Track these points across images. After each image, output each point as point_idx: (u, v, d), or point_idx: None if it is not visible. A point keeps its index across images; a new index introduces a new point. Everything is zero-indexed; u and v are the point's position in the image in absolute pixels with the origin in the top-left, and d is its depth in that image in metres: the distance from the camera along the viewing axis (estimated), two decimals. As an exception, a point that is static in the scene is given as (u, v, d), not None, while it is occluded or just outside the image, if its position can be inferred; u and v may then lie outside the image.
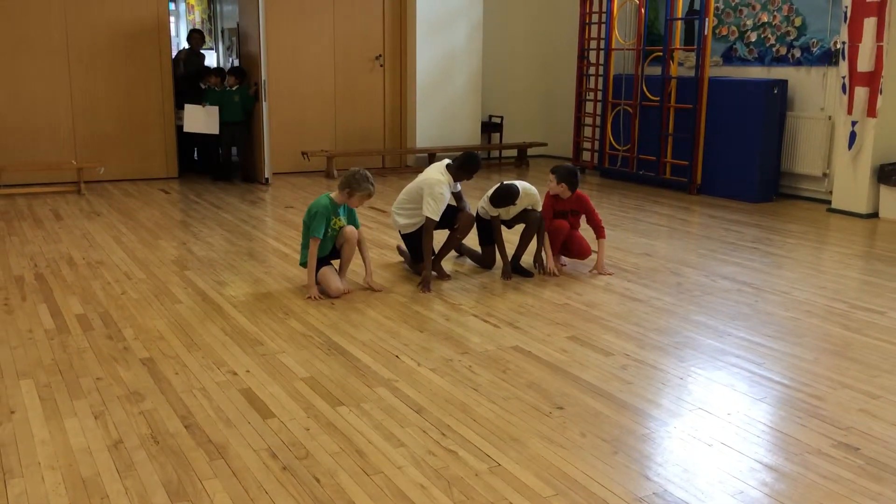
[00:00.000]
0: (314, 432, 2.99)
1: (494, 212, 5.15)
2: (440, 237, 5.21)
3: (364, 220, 6.16)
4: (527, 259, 5.36)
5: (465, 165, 5.08)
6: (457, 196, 5.25)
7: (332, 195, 4.74)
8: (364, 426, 3.05)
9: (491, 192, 5.13)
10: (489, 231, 5.27)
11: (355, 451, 2.85)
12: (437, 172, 5.05)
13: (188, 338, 4.02)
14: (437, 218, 4.92)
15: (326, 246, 4.80)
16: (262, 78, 8.64)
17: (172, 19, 8.91)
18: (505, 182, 5.09)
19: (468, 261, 5.56)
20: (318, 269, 4.76)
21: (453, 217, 5.15)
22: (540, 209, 5.25)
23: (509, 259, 5.23)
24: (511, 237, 5.36)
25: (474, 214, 5.26)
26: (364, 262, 4.90)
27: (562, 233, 5.31)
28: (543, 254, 5.30)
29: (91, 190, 8.28)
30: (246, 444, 2.90)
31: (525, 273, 5.23)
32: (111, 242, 6.04)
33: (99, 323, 4.23)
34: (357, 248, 4.85)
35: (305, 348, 3.89)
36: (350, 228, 4.79)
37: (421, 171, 5.27)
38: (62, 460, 2.77)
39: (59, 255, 5.65)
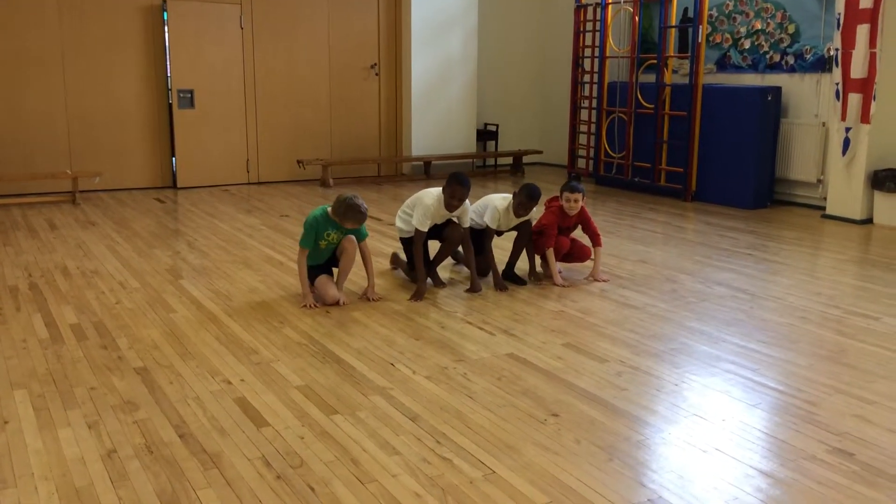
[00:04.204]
0: (308, 441, 2.99)
1: (494, 223, 5.13)
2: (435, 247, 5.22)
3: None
4: (520, 266, 5.36)
5: (446, 183, 4.94)
6: (459, 218, 5.17)
7: (330, 210, 4.70)
8: (359, 434, 3.04)
9: (497, 201, 5.12)
10: (480, 240, 5.28)
11: (350, 460, 2.84)
12: (435, 190, 5.04)
13: (182, 347, 4.01)
14: (423, 229, 4.92)
15: (323, 255, 4.80)
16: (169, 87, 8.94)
17: (167, 30, 8.90)
18: (527, 183, 5.09)
19: (464, 269, 5.56)
20: (315, 276, 4.76)
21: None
22: (530, 219, 5.23)
23: (504, 267, 5.24)
24: (503, 244, 5.36)
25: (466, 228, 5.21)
26: (367, 273, 4.89)
27: (564, 248, 5.33)
28: (542, 268, 5.31)
29: (86, 199, 8.28)
30: (240, 453, 2.89)
31: (518, 281, 5.23)
32: (106, 252, 6.04)
33: (93, 332, 4.22)
34: (362, 259, 4.84)
35: (300, 356, 3.88)
36: (350, 239, 4.78)
37: (416, 181, 5.25)
38: (56, 470, 2.76)
39: (53, 264, 5.65)
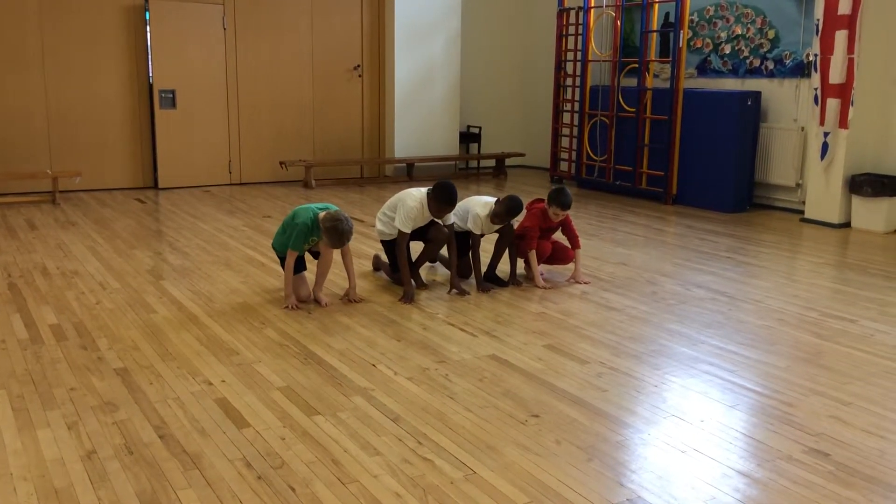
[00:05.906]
0: (290, 441, 2.99)
1: (478, 229, 5.11)
2: (418, 248, 5.22)
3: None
4: (502, 268, 5.38)
5: (434, 193, 4.92)
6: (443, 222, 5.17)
7: (321, 217, 4.63)
8: (340, 435, 3.05)
9: (482, 209, 5.10)
10: (462, 242, 5.28)
11: (331, 461, 2.85)
12: (417, 191, 5.02)
13: (163, 347, 4.00)
14: (406, 231, 4.92)
15: (302, 248, 4.81)
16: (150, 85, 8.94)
17: (149, 30, 8.85)
18: (511, 195, 5.05)
19: (441, 268, 5.57)
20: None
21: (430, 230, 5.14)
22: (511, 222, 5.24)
23: (485, 269, 5.26)
24: (485, 245, 5.38)
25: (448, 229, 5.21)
26: (348, 275, 4.88)
27: (546, 253, 5.36)
28: (525, 270, 5.34)
29: (66, 200, 8.22)
30: (221, 453, 2.89)
31: (499, 282, 5.25)
32: (86, 252, 6.00)
33: (73, 333, 4.19)
34: (343, 261, 4.84)
35: (281, 357, 3.88)
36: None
37: (399, 182, 5.24)
38: (35, 471, 2.74)
39: (33, 264, 5.60)
